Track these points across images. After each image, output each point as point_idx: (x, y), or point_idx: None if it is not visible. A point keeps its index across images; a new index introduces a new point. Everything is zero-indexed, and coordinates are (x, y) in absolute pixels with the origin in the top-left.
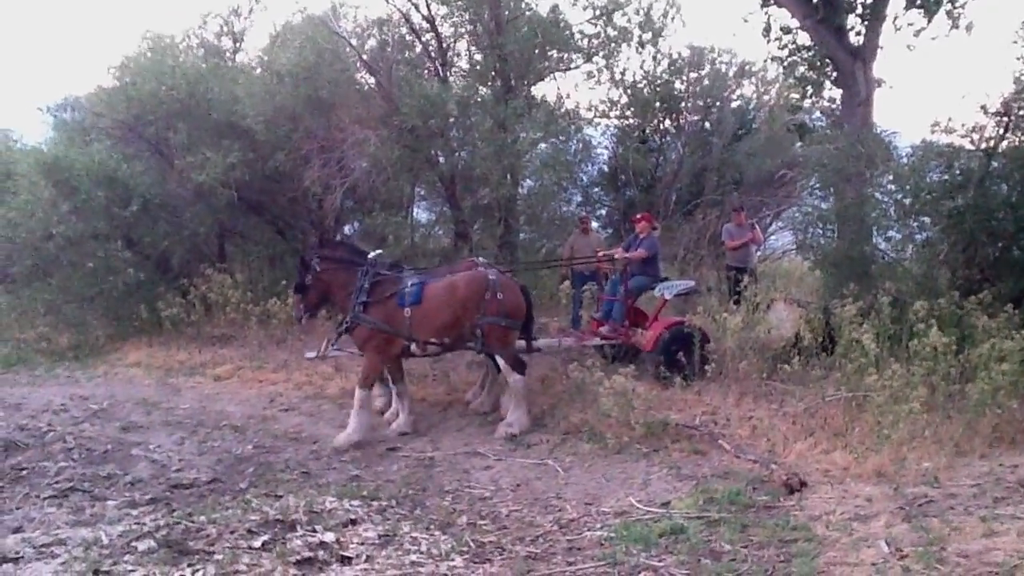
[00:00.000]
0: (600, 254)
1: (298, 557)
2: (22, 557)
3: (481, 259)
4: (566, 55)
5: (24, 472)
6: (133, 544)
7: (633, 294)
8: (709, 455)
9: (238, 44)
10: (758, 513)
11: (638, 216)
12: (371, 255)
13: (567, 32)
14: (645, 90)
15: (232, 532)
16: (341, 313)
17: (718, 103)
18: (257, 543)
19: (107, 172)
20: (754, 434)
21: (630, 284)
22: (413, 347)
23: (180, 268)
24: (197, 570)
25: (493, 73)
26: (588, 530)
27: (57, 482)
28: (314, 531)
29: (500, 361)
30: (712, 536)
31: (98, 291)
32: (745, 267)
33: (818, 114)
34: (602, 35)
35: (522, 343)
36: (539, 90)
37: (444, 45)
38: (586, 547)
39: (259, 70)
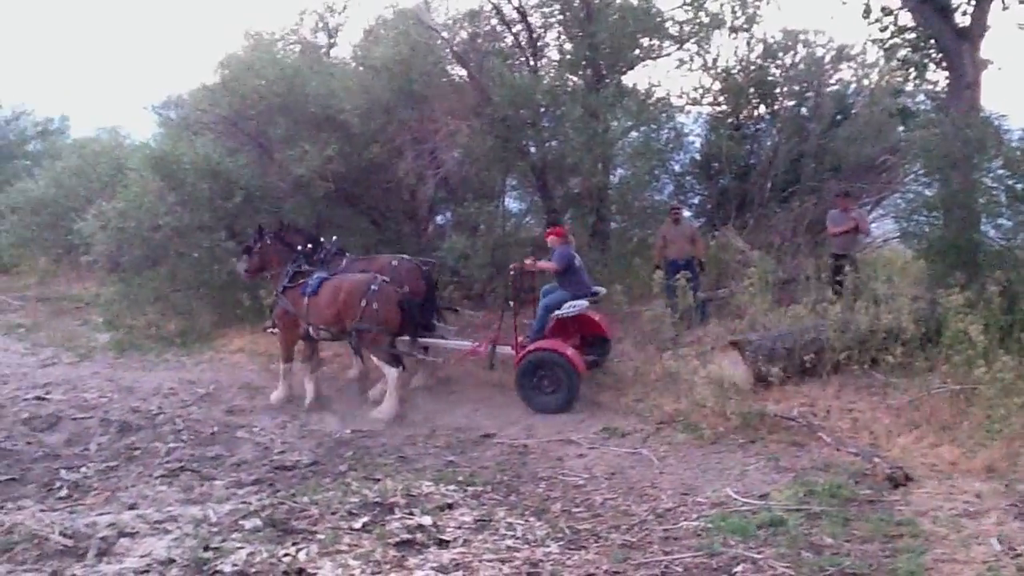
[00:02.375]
0: (526, 262)
1: (397, 539)
2: (137, 532)
3: (405, 257)
4: (657, 42)
5: (137, 452)
6: (240, 522)
7: (551, 307)
8: (808, 447)
9: (333, 39)
10: (860, 507)
11: (548, 230)
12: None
13: (658, 19)
14: (738, 76)
15: (333, 513)
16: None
17: (815, 88)
18: (357, 524)
19: (211, 166)
20: (855, 427)
21: (546, 298)
22: (311, 330)
23: None
24: (301, 549)
25: (583, 62)
26: (684, 520)
27: (168, 462)
28: (412, 514)
29: (374, 357)
30: (813, 529)
31: (204, 280)
32: (847, 254)
33: (922, 97)
34: (694, 21)
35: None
36: (630, 78)
37: (534, 35)
38: (683, 537)
39: (354, 64)
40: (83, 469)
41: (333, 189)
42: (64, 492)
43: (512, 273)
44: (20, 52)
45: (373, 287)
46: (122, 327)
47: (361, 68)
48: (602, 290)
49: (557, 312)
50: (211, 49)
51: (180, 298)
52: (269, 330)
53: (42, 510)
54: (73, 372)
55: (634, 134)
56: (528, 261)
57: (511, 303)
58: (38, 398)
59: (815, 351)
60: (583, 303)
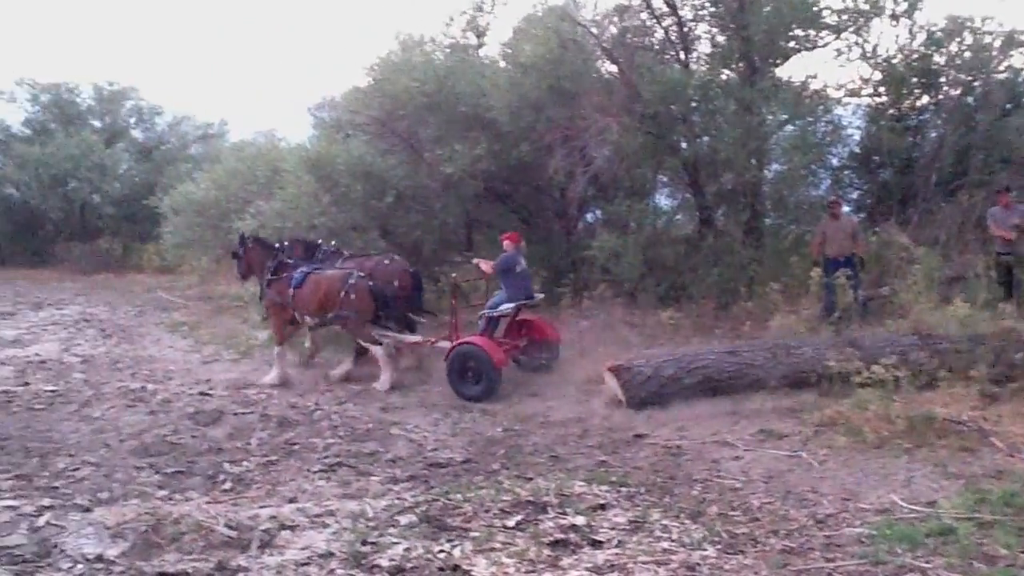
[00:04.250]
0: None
1: (551, 538)
2: (298, 525)
3: (396, 256)
4: (813, 32)
5: (296, 447)
6: (396, 518)
7: (491, 308)
8: (979, 453)
9: (482, 39)
10: None
11: (503, 235)
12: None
13: (815, 8)
14: (900, 65)
15: (487, 511)
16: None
17: (983, 76)
18: (511, 522)
19: (364, 166)
20: None
21: (490, 300)
22: (297, 317)
23: (431, 257)
24: (456, 545)
25: (736, 55)
26: (847, 526)
27: (325, 457)
28: (565, 514)
29: (359, 340)
30: (985, 539)
31: None
32: (1013, 253)
33: None
34: (852, 9)
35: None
36: (785, 70)
37: (685, 29)
38: (845, 544)
39: (503, 63)
40: (245, 463)
41: (483, 188)
42: (228, 485)
43: (454, 276)
44: (182, 59)
45: (351, 280)
46: None
47: (510, 66)
48: (540, 296)
49: (486, 311)
50: (363, 52)
51: None
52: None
53: (207, 502)
54: (234, 368)
55: (789, 128)
56: (475, 260)
57: (453, 302)
58: (202, 393)
59: (702, 377)
60: (509, 306)
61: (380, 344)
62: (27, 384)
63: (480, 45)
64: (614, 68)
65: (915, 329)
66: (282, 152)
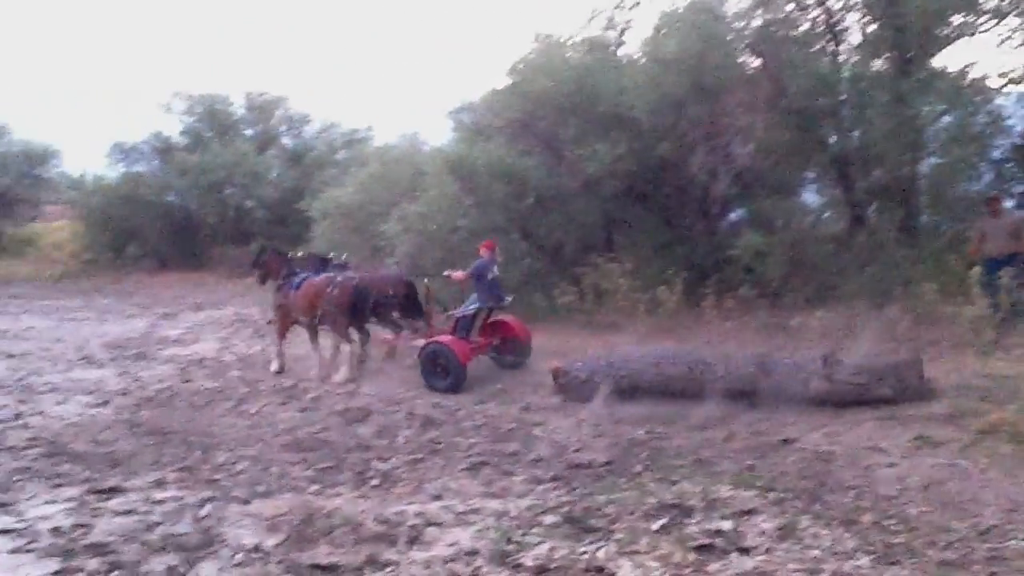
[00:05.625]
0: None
1: (696, 543)
2: (443, 522)
3: (392, 265)
4: (973, 18)
5: (440, 446)
6: (539, 518)
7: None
8: None
9: (622, 36)
10: None
11: (481, 244)
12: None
13: None
14: None
15: (630, 513)
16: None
17: None
18: (655, 526)
19: (504, 168)
20: None
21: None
22: (295, 316)
23: (572, 258)
24: (600, 547)
25: (888, 45)
26: (1012, 539)
27: (469, 456)
28: (710, 518)
29: (333, 334)
30: None
31: None
32: None
33: None
34: None
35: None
36: (940, 60)
37: (833, 19)
38: (1011, 557)
39: (643, 60)
40: (392, 460)
41: (623, 188)
42: (376, 481)
43: (427, 281)
44: (328, 65)
45: (338, 279)
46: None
47: (651, 64)
48: (508, 299)
49: (454, 312)
50: (502, 53)
51: None
52: (270, 322)
53: (357, 497)
54: (378, 367)
55: (947, 119)
56: (445, 273)
57: (428, 306)
58: (349, 392)
59: (633, 383)
60: (473, 307)
61: (350, 343)
62: (188, 381)
63: (620, 43)
64: (758, 62)
65: None
66: (424, 155)
